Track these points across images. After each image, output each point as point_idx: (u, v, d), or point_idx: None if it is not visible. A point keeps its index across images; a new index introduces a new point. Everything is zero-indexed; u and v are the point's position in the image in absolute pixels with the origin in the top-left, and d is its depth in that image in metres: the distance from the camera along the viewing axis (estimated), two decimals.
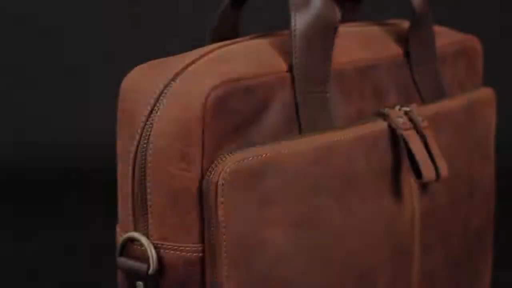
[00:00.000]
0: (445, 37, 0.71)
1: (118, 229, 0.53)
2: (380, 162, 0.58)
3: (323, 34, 0.55)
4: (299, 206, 0.52)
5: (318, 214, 0.53)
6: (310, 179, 0.52)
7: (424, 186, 0.62)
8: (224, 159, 0.49)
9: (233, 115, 0.50)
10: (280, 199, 0.51)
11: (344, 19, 0.72)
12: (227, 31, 0.62)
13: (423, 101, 0.65)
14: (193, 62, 0.52)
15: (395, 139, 0.59)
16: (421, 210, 0.62)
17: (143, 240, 0.50)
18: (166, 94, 0.50)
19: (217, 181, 0.48)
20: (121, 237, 0.52)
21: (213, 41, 0.61)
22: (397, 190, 0.59)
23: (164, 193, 0.50)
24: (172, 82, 0.50)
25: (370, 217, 0.57)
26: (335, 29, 0.56)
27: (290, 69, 0.54)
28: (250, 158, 0.49)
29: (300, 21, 0.55)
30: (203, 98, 0.48)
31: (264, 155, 0.50)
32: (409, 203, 0.60)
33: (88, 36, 1.66)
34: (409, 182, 0.60)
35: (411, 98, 0.64)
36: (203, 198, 0.49)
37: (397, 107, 0.61)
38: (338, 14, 0.56)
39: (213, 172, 0.48)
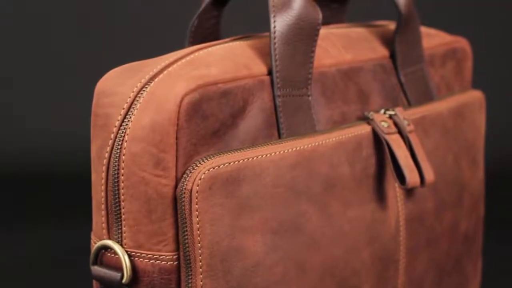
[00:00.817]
0: (434, 39, 0.69)
1: (92, 237, 0.52)
2: (364, 167, 0.56)
3: (304, 36, 0.54)
4: (278, 212, 0.50)
5: (298, 220, 0.51)
6: (289, 185, 0.51)
7: (409, 191, 0.61)
8: (199, 165, 0.47)
9: (210, 120, 0.49)
10: (258, 206, 0.49)
11: (331, 21, 0.71)
12: (208, 32, 0.60)
13: (409, 104, 0.64)
14: (169, 65, 0.50)
15: (379, 143, 0.57)
16: (406, 215, 0.60)
17: (117, 248, 0.49)
18: (141, 98, 0.48)
19: (191, 188, 0.47)
20: (95, 244, 0.51)
21: (193, 42, 0.59)
22: (381, 195, 0.58)
23: (138, 200, 0.48)
24: (147, 86, 0.49)
25: (352, 223, 0.55)
26: (316, 31, 0.55)
27: (270, 72, 0.53)
28: (227, 164, 0.48)
29: (280, 23, 0.53)
30: (177, 102, 0.47)
31: (241, 161, 0.49)
32: (394, 208, 0.59)
33: (64, 38, 1.63)
34: (394, 187, 0.59)
35: (397, 101, 0.63)
36: (178, 205, 0.48)
37: (382, 111, 0.59)
38: (319, 15, 0.55)
39: (187, 179, 0.47)
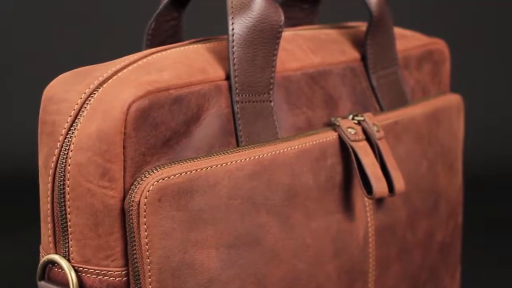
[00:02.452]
0: (409, 40, 0.67)
1: (41, 250, 0.49)
2: (329, 176, 0.54)
3: (265, 39, 0.51)
4: (235, 225, 0.48)
5: (256, 233, 0.49)
6: (247, 196, 0.48)
7: (379, 200, 0.58)
8: (148, 176, 0.45)
9: (160, 128, 0.46)
10: (212, 219, 0.47)
11: (302, 22, 0.68)
12: (167, 35, 0.58)
13: (382, 109, 0.61)
14: (119, 70, 0.48)
15: (346, 151, 0.55)
16: (376, 226, 0.58)
17: (63, 263, 0.46)
18: (88, 105, 0.46)
19: (139, 200, 0.44)
20: (42, 258, 0.48)
21: (151, 46, 0.57)
22: (348, 205, 0.55)
23: (84, 213, 0.46)
24: (95, 92, 0.46)
25: (316, 235, 0.53)
26: (278, 33, 0.52)
27: (228, 77, 0.50)
28: (178, 175, 0.45)
29: (238, 25, 0.51)
30: (124, 109, 0.45)
31: (194, 171, 0.46)
32: (362, 219, 0.56)
33: (16, 38, 1.58)
34: (362, 196, 0.56)
35: (368, 106, 0.60)
36: (126, 219, 0.45)
37: (350, 116, 0.57)
38: (281, 17, 0.52)
39: (135, 190, 0.44)
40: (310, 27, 0.61)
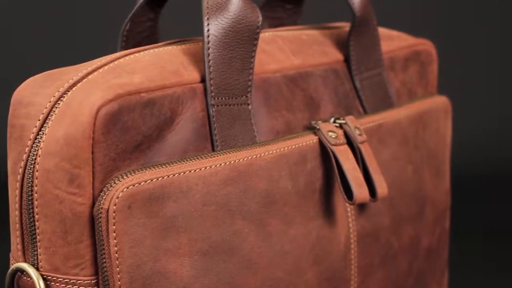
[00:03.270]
0: (395, 41, 0.65)
1: (11, 258, 0.48)
2: (309, 181, 0.52)
3: (242, 40, 0.50)
4: (209, 232, 0.46)
5: (231, 240, 0.47)
6: (222, 203, 0.47)
7: (362, 206, 0.56)
8: (117, 182, 0.43)
9: (131, 132, 0.44)
10: (185, 226, 0.45)
11: (284, 22, 0.67)
12: (143, 36, 0.56)
13: (365, 112, 0.60)
14: (90, 72, 0.46)
15: (326, 155, 0.53)
16: (358, 232, 0.56)
17: (31, 271, 0.45)
18: (57, 109, 0.44)
19: (108, 208, 0.43)
20: (11, 266, 0.47)
21: (126, 47, 0.55)
22: (329, 211, 0.54)
23: (53, 220, 0.44)
24: (64, 96, 0.45)
25: (295, 242, 0.51)
26: (256, 34, 0.51)
27: (203, 80, 0.49)
28: (149, 181, 0.44)
29: (214, 26, 0.49)
30: (92, 114, 0.43)
31: (166, 177, 0.45)
32: (343, 225, 0.55)
33: None
34: (344, 202, 0.55)
35: (352, 108, 0.59)
36: (95, 226, 0.44)
37: (332, 120, 0.55)
38: (259, 17, 0.51)
39: (104, 197, 0.43)
40: (292, 28, 0.60)
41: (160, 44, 0.51)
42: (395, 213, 0.60)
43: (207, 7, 0.49)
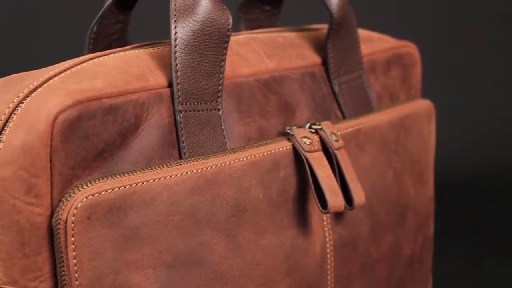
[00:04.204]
0: (376, 43, 0.63)
1: None
2: (282, 190, 0.50)
3: (211, 43, 0.48)
4: (174, 243, 0.45)
5: (198, 252, 0.46)
6: (188, 212, 0.45)
7: (339, 214, 0.55)
8: (77, 192, 0.42)
9: (92, 139, 0.43)
10: (149, 237, 0.44)
11: (263, 24, 0.65)
12: (112, 39, 0.54)
13: (344, 116, 0.58)
14: (51, 77, 0.44)
15: (300, 162, 0.51)
16: (335, 241, 0.54)
17: None
18: (15, 115, 0.43)
19: (66, 218, 0.41)
20: None
21: (93, 50, 0.53)
22: (303, 220, 0.52)
23: (10, 231, 0.42)
24: (23, 101, 0.43)
25: (267, 252, 0.49)
26: (226, 37, 0.49)
27: (170, 84, 0.47)
28: (110, 190, 0.42)
29: (182, 29, 0.47)
30: (50, 121, 0.41)
31: (128, 186, 0.43)
32: (319, 234, 0.53)
33: None
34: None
35: (329, 113, 0.57)
36: (54, 238, 0.42)
37: (307, 125, 0.53)
38: (229, 19, 0.49)
39: (62, 208, 0.41)
40: (268, 30, 0.58)
41: (127, 47, 0.49)
42: (375, 221, 0.58)
43: (175, 9, 0.47)
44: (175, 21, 0.47)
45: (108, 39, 0.54)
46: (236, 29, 0.64)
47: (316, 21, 0.73)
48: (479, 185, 1.27)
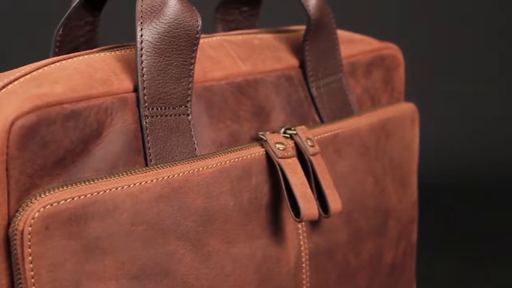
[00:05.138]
0: (357, 45, 0.62)
1: None
2: (254, 197, 0.49)
3: (180, 46, 0.47)
4: (138, 254, 0.43)
5: (164, 263, 0.44)
6: (153, 222, 0.43)
7: (315, 222, 0.53)
8: (34, 201, 0.40)
9: (51, 146, 0.41)
10: (111, 247, 0.42)
11: (241, 26, 0.63)
12: (81, 42, 0.53)
13: (322, 121, 0.56)
14: (10, 82, 0.43)
15: (273, 169, 0.50)
16: (311, 250, 0.53)
17: None
18: None
19: (23, 229, 0.39)
20: None
21: (59, 53, 0.52)
22: (276, 229, 0.50)
23: None
24: None
25: (237, 262, 0.48)
26: (195, 40, 0.47)
27: (136, 89, 0.45)
28: (69, 199, 0.41)
29: (148, 31, 0.46)
30: (6, 127, 0.40)
31: (89, 195, 0.41)
32: (293, 243, 0.51)
33: None
34: None
35: (306, 117, 0.55)
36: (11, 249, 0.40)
37: (282, 130, 0.52)
38: (198, 21, 0.47)
39: (19, 218, 0.40)
40: (243, 32, 0.56)
41: (93, 50, 0.47)
42: (353, 228, 0.56)
43: (141, 11, 0.46)
44: (141, 23, 0.46)
45: (76, 41, 0.52)
46: (213, 30, 0.63)
47: (298, 22, 0.71)
48: (465, 187, 1.25)
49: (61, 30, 0.51)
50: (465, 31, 1.45)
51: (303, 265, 0.52)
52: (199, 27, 0.47)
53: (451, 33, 1.45)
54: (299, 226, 0.52)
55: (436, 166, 1.30)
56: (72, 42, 0.52)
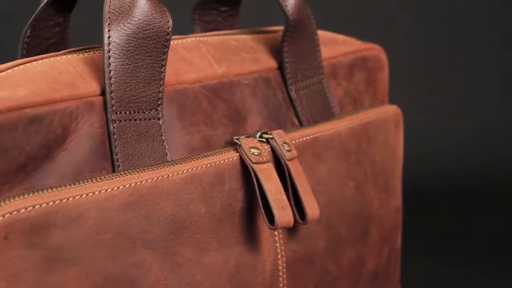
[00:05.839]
0: (339, 46, 0.60)
1: None
2: (227, 204, 0.47)
3: (149, 48, 0.45)
4: (104, 264, 0.41)
5: (131, 272, 0.42)
6: (120, 230, 0.42)
7: (293, 229, 0.51)
8: None
9: (12, 152, 0.40)
10: (75, 257, 0.40)
11: (220, 26, 0.62)
12: (50, 43, 0.51)
13: (301, 124, 0.55)
14: None
15: (248, 175, 0.48)
16: (288, 258, 0.51)
17: None
18: None
19: None
20: None
21: (27, 55, 0.50)
22: (251, 237, 0.48)
23: None
24: None
25: (210, 271, 0.46)
26: (166, 41, 0.46)
27: (104, 92, 0.44)
28: (30, 208, 0.39)
29: (116, 33, 0.44)
30: None
31: (51, 203, 0.40)
32: (269, 251, 0.50)
33: None
34: None
35: (285, 121, 0.54)
36: None
37: (258, 134, 0.50)
38: (169, 22, 0.46)
39: None
40: (220, 33, 0.55)
41: (60, 52, 0.46)
42: (333, 235, 0.54)
43: (109, 11, 0.44)
44: (108, 24, 0.44)
45: (45, 43, 0.51)
46: (191, 31, 0.61)
47: (282, 23, 0.70)
48: (451, 190, 1.23)
49: (28, 31, 0.49)
50: (466, 31, 1.44)
51: (280, 273, 0.50)
52: (170, 28, 0.46)
53: (444, 32, 1.44)
54: (276, 233, 0.50)
55: (421, 169, 1.28)
56: (41, 44, 0.50)
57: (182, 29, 0.64)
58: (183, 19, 0.68)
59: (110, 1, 0.44)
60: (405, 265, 0.75)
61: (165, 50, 0.46)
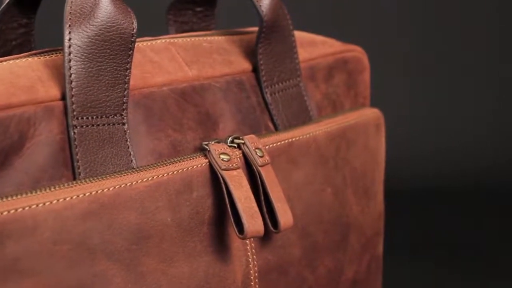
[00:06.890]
0: (318, 48, 0.58)
1: None
2: (195, 212, 0.45)
3: (112, 51, 0.43)
4: (62, 276, 0.40)
5: (92, 284, 0.41)
6: (79, 241, 0.40)
7: (266, 238, 0.50)
8: None
9: None
10: (31, 269, 0.39)
11: (195, 27, 0.60)
12: (13, 45, 0.49)
13: (277, 129, 0.53)
14: None
15: (217, 181, 0.47)
16: (261, 267, 0.49)
17: None
18: None
19: None
20: None
21: None
22: (221, 246, 0.47)
23: None
24: None
25: (176, 283, 0.44)
26: (130, 43, 0.44)
27: (64, 97, 0.42)
28: None
29: (77, 35, 0.42)
30: None
31: (5, 212, 0.38)
32: (241, 260, 0.48)
33: None
34: None
35: (259, 125, 0.52)
36: None
37: (229, 139, 0.48)
38: (134, 23, 0.44)
39: None
40: (193, 34, 0.53)
41: (21, 55, 0.44)
42: (309, 243, 0.53)
43: (70, 13, 0.43)
44: (69, 25, 0.42)
45: (9, 45, 0.49)
46: (166, 32, 0.59)
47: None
48: (436, 193, 1.21)
49: None
50: (457, 31, 1.42)
51: (252, 283, 0.49)
52: (135, 30, 0.44)
53: (431, 33, 1.42)
54: (247, 242, 0.48)
55: (406, 172, 1.26)
56: (4, 46, 0.49)
57: (156, 30, 0.62)
58: (157, 19, 0.67)
59: (71, 2, 0.43)
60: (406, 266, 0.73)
61: (129, 53, 0.44)
